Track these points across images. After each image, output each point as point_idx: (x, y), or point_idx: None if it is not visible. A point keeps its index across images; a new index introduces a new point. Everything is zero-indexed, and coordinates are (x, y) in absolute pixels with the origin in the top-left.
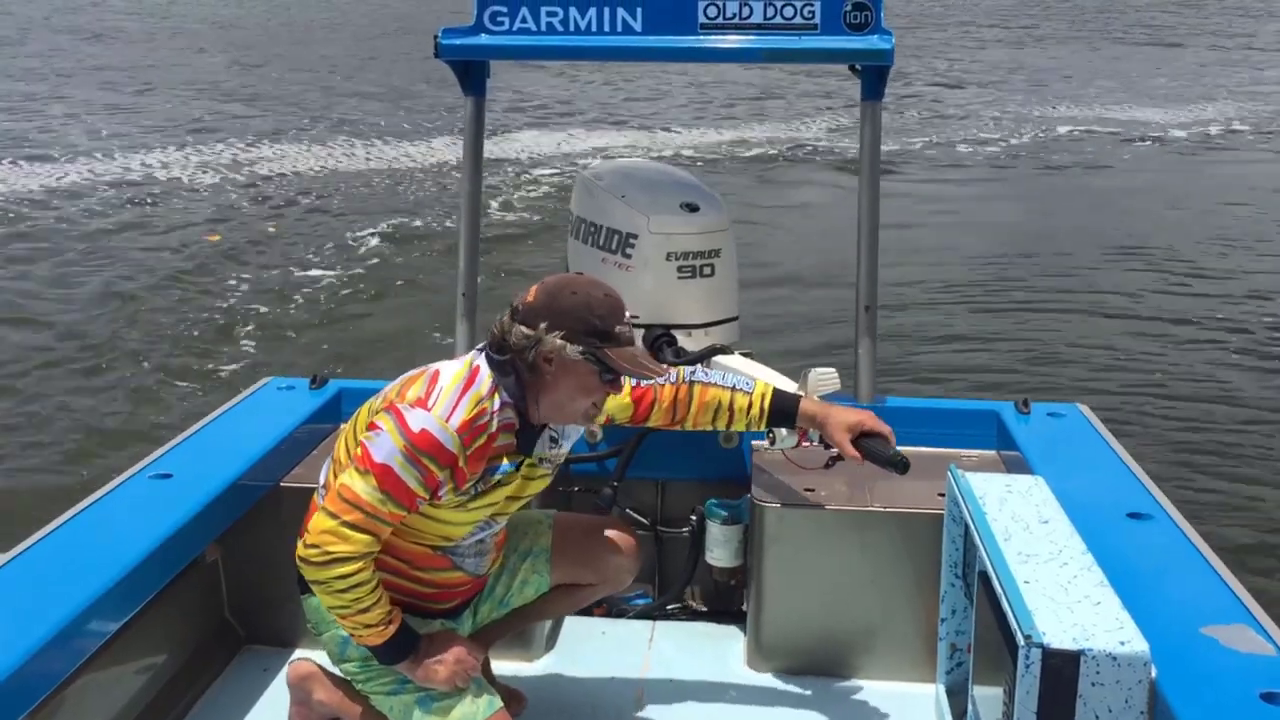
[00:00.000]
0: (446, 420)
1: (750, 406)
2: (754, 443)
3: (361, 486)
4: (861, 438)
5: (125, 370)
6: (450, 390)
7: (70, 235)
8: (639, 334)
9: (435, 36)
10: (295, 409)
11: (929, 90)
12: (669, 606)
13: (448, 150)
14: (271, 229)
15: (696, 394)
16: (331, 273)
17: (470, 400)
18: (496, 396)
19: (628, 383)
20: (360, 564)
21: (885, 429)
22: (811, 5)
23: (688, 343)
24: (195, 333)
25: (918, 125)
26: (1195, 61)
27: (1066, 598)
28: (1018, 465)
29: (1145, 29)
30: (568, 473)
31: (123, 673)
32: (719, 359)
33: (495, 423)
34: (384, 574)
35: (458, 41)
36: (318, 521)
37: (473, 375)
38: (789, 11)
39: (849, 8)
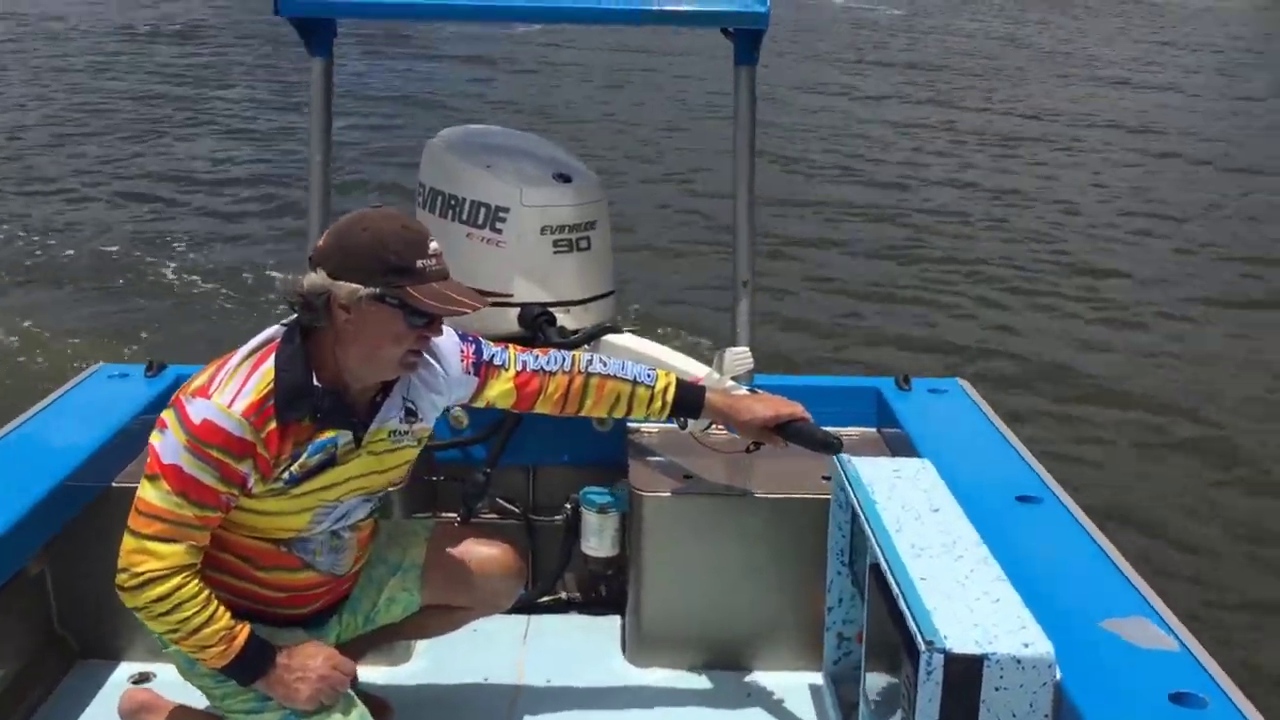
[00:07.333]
0: (229, 405)
1: (652, 400)
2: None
3: (154, 494)
4: (781, 425)
5: None
6: (237, 371)
7: None
8: (513, 312)
9: None
10: (128, 400)
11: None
12: (543, 599)
13: None
14: None
15: (593, 387)
16: None
17: (261, 378)
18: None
19: (512, 366)
20: (178, 579)
21: (799, 410)
22: None
23: (566, 320)
24: None
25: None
26: None
27: (964, 595)
28: (899, 442)
29: None
30: (432, 461)
31: None
32: (610, 339)
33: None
34: (224, 575)
35: None
36: (124, 542)
37: (267, 350)
38: None
39: None
